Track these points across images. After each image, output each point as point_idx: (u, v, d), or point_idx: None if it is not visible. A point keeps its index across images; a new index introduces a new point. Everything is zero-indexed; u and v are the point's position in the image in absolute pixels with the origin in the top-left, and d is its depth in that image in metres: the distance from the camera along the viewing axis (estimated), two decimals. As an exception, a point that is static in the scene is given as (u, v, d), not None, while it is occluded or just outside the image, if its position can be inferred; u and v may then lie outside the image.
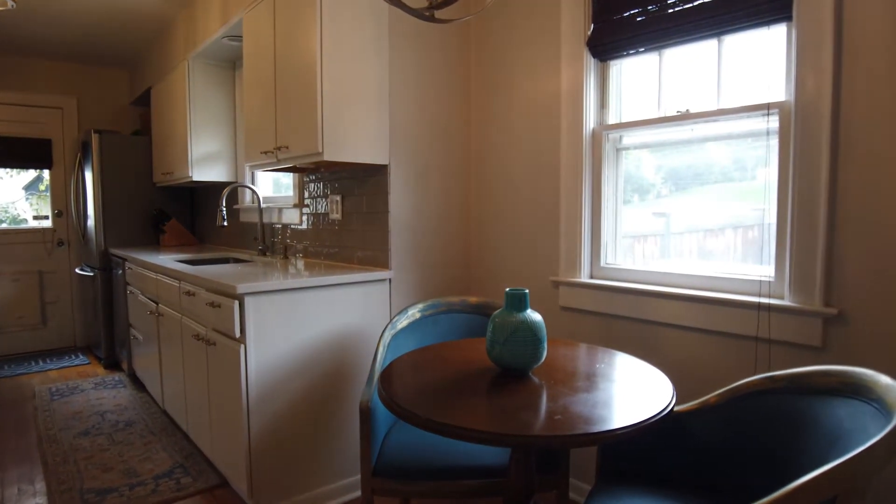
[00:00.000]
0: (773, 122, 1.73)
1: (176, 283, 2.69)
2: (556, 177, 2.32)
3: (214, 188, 4.30)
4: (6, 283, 4.79)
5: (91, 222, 4.40)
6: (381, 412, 1.82)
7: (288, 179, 3.39)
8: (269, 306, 2.11)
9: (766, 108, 1.73)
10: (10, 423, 3.28)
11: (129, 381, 4.04)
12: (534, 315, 1.43)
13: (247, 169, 3.79)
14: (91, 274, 4.47)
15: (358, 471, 2.41)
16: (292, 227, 3.16)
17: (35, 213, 4.98)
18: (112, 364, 4.46)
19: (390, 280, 2.46)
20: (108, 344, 4.41)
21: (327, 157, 2.22)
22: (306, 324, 2.21)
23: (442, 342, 1.81)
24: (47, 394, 3.79)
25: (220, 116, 3.81)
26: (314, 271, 2.42)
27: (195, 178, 3.71)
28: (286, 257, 3.15)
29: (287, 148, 2.41)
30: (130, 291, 3.69)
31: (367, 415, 1.64)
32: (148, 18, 3.92)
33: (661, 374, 1.50)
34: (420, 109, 2.52)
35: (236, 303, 2.06)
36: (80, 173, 4.63)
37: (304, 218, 3.04)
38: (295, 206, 3.09)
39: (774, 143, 1.74)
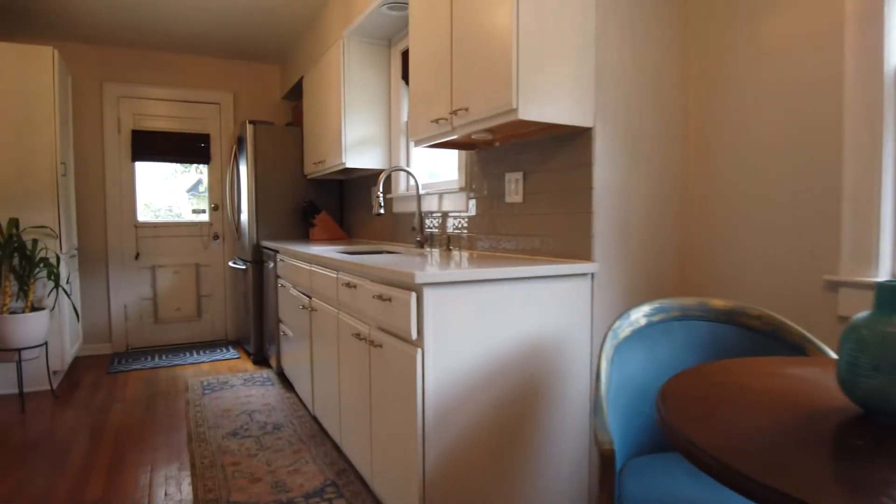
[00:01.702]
0: None
1: (333, 275, 2.37)
2: (833, 138, 1.67)
3: (364, 180, 4.04)
4: (168, 275, 4.90)
5: (244, 216, 4.33)
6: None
7: (450, 161, 2.99)
8: (451, 301, 1.67)
9: None
10: (165, 416, 3.18)
11: (276, 379, 3.87)
12: (945, 326, 0.84)
13: (402, 154, 3.46)
14: (243, 267, 4.41)
15: (550, 517, 1.90)
16: (456, 214, 2.75)
17: (194, 208, 5.06)
18: (261, 360, 4.35)
19: (593, 275, 1.93)
20: (258, 339, 4.30)
21: (522, 114, 1.75)
22: (493, 325, 1.75)
23: (723, 360, 1.25)
24: (199, 387, 3.71)
25: (375, 98, 3.52)
26: (493, 262, 1.96)
27: (348, 165, 3.44)
28: (449, 249, 2.74)
29: (466, 110, 1.98)
30: (282, 285, 3.50)
31: (610, 462, 1.13)
32: (300, 6, 3.74)
33: None
34: (633, 56, 1.98)
35: (413, 296, 1.64)
36: (235, 167, 4.61)
37: (472, 203, 2.61)
38: (461, 189, 2.68)
39: None
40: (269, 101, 5.18)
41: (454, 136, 2.14)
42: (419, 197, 2.98)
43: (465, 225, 2.67)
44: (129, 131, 4.71)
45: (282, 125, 4.88)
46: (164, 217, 4.97)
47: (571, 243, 2.00)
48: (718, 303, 1.65)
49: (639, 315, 1.61)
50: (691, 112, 2.09)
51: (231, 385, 3.76)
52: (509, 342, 1.78)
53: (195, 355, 4.59)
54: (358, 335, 2.07)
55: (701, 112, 2.06)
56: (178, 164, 4.96)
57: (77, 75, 4.53)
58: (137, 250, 4.79)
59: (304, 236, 4.42)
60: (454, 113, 2.05)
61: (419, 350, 1.63)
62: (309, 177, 4.33)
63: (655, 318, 1.63)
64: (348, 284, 2.17)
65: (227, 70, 5.01)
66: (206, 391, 3.63)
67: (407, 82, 3.42)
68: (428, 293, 1.63)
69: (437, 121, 2.16)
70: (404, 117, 3.44)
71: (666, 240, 2.07)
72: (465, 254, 2.44)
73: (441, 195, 2.88)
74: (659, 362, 1.57)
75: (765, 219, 1.86)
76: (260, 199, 4.24)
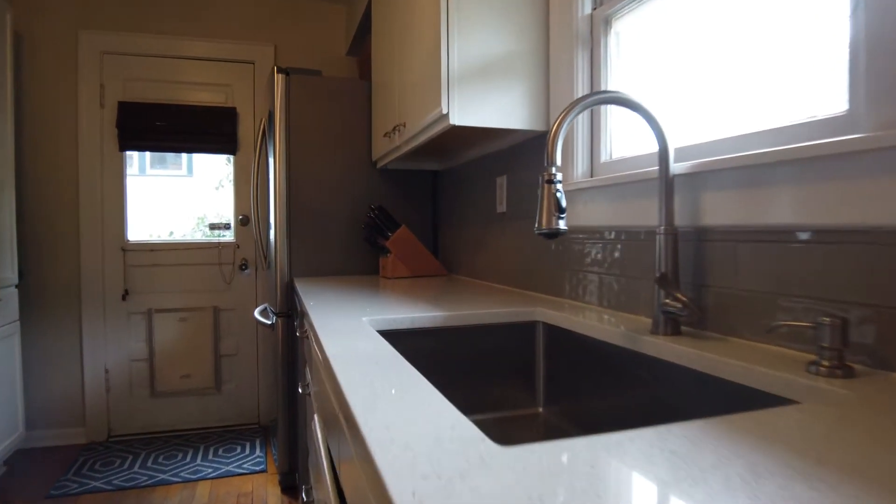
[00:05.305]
0: None
1: (345, 431, 0.44)
2: None
3: (479, 166, 2.12)
4: (171, 324, 3.20)
5: (272, 233, 2.55)
6: None
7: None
8: None
9: None
10: None
11: (306, 553, 2.01)
12: None
13: (578, 94, 1.50)
14: (269, 322, 2.61)
15: None
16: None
17: (214, 220, 3.35)
18: (290, 484, 2.52)
19: None
20: (287, 445, 2.48)
21: None
22: None
23: None
24: (161, 566, 1.91)
25: (512, -21, 1.59)
26: None
27: (457, 121, 1.52)
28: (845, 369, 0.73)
29: None
30: (305, 385, 1.63)
31: None
32: None
33: None
34: None
35: None
36: (263, 154, 2.86)
37: None
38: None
39: None
40: (329, 55, 3.41)
41: None
42: (668, 180, 1.00)
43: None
44: (115, 104, 3.08)
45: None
46: (168, 235, 3.30)
47: None
48: None
49: None
50: None
51: (221, 562, 1.93)
52: None
53: (198, 460, 2.83)
54: None
55: None
56: (190, 155, 3.28)
57: (34, 20, 2.96)
58: (126, 286, 3.13)
59: (372, 268, 2.57)
60: None
61: None
62: (380, 165, 2.49)
63: None
64: None
65: (265, 9, 3.30)
66: (169, 581, 1.82)
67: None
68: None
69: None
70: (587, 7, 1.49)
71: None
72: None
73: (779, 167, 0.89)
74: None
75: None
76: (294, 206, 2.45)
